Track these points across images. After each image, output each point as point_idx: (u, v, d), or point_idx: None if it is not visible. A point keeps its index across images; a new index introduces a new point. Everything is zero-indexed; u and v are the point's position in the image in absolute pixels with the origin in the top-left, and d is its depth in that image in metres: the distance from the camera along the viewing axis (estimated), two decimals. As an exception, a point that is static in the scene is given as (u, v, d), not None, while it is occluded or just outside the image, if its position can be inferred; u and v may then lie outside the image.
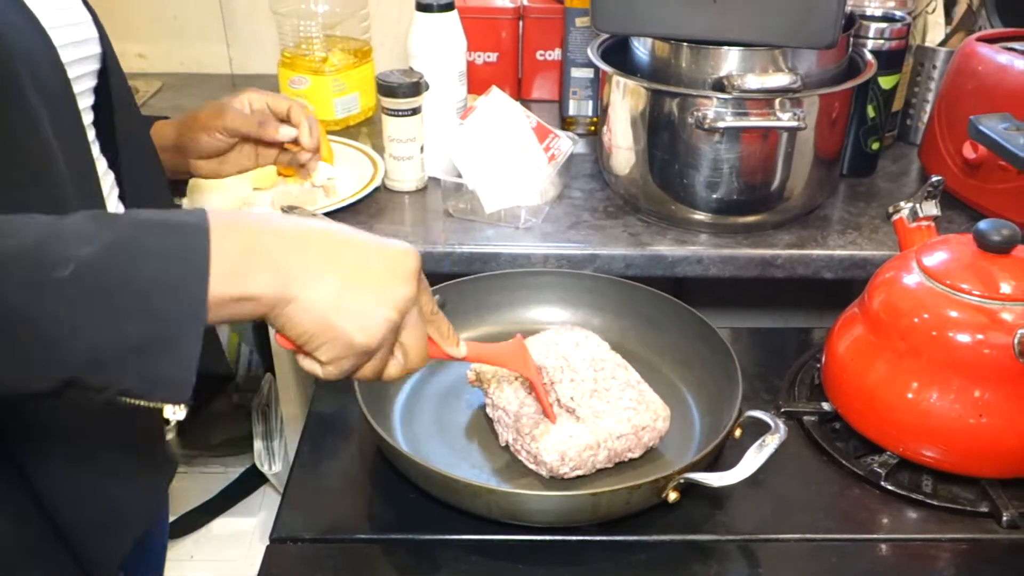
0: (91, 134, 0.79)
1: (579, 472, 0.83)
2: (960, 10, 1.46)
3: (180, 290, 0.52)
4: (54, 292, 0.50)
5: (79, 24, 0.76)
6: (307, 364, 0.63)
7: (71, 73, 0.73)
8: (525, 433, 0.84)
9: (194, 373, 0.53)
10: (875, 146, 1.37)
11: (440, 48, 1.31)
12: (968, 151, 1.21)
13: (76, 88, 0.74)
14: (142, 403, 0.54)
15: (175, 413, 0.56)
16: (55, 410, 0.70)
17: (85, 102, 0.78)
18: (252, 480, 1.70)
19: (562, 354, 0.91)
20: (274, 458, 1.57)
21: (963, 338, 0.82)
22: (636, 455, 0.85)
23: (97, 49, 0.79)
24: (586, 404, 0.85)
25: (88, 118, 0.79)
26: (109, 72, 0.81)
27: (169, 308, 0.52)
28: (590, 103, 1.52)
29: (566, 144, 1.26)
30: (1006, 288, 0.81)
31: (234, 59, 1.82)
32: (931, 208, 0.95)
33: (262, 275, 0.55)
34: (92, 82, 0.79)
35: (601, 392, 0.87)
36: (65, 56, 0.72)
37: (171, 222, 0.54)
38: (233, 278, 0.54)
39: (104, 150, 0.81)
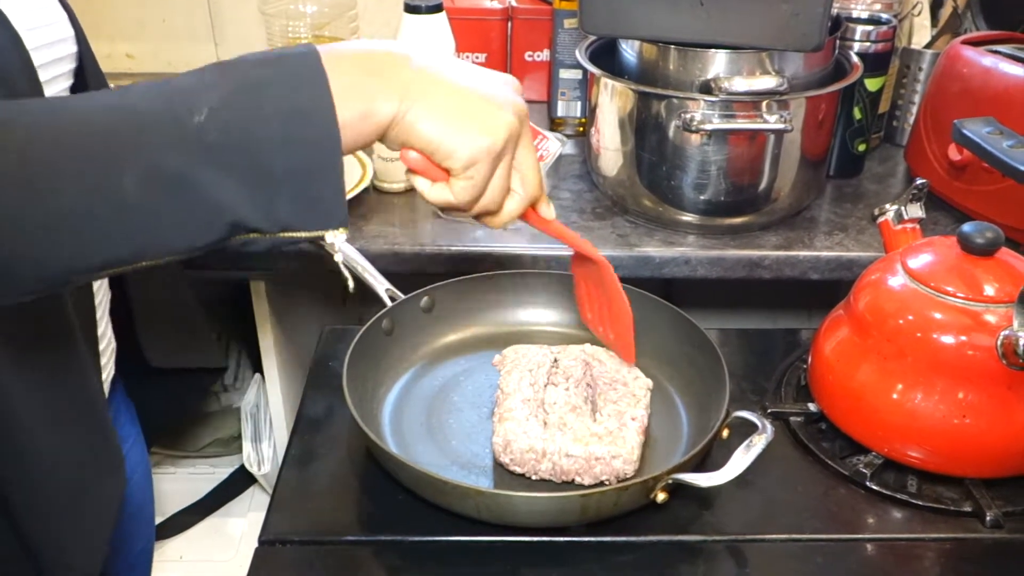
0: None
1: (518, 469, 0.83)
2: (946, 13, 1.47)
3: (311, 115, 0.54)
4: (197, 139, 0.52)
5: (53, 24, 0.75)
6: (436, 192, 0.63)
7: (45, 75, 0.72)
8: (498, 411, 0.86)
9: (344, 193, 0.55)
10: (861, 148, 1.38)
11: (428, 49, 1.31)
12: (953, 153, 1.22)
13: (50, 90, 0.73)
14: (303, 235, 0.56)
15: (336, 237, 0.57)
16: None
17: None
18: (241, 481, 1.70)
19: (584, 364, 0.92)
20: (263, 459, 1.57)
21: (947, 340, 0.82)
22: (585, 482, 0.82)
23: (73, 48, 0.78)
24: (559, 414, 0.85)
25: None
26: (86, 72, 0.80)
27: (305, 133, 0.53)
28: (578, 104, 1.52)
29: (554, 145, 1.27)
30: (989, 290, 0.82)
31: (222, 59, 1.81)
32: (916, 210, 0.96)
33: (379, 89, 0.57)
34: (68, 82, 0.78)
35: (582, 409, 0.86)
36: (38, 58, 0.71)
37: (282, 57, 0.55)
38: (353, 97, 0.55)
39: None
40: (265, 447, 1.58)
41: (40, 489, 0.73)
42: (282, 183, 0.54)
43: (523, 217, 0.71)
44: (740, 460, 0.77)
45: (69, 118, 0.53)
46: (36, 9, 0.73)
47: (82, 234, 0.52)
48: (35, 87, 0.70)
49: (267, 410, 1.51)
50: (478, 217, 0.68)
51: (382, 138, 0.59)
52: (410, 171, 0.64)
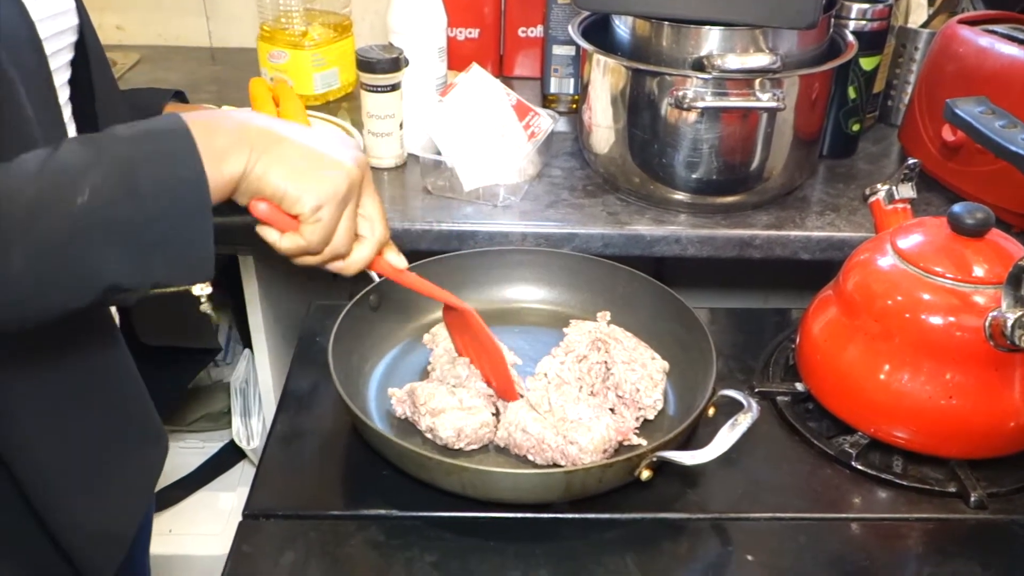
0: (67, 112, 0.78)
1: (473, 446, 0.85)
2: (943, -8, 1.46)
3: (184, 186, 0.59)
4: (80, 218, 0.56)
5: None
6: (287, 240, 0.68)
7: (48, 48, 0.71)
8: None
9: (212, 251, 0.61)
10: (855, 127, 1.37)
11: (420, 24, 1.30)
12: (947, 133, 1.21)
13: (53, 64, 0.73)
14: (173, 289, 0.63)
15: (202, 289, 0.67)
16: (34, 397, 0.70)
17: (62, 78, 0.76)
18: (230, 456, 1.69)
19: (594, 342, 0.92)
20: (252, 434, 1.56)
21: (935, 321, 0.82)
22: (537, 460, 0.83)
23: (74, 20, 0.77)
24: (540, 388, 0.87)
25: (64, 94, 0.77)
26: (87, 45, 0.79)
27: (179, 204, 0.59)
28: (572, 81, 1.51)
29: (546, 122, 1.26)
30: (978, 271, 0.82)
31: (213, 32, 1.80)
32: (907, 191, 0.96)
33: (229, 147, 0.62)
34: (69, 55, 0.78)
35: (562, 389, 0.87)
36: (42, 31, 0.70)
37: (156, 131, 0.60)
38: (213, 163, 0.60)
39: (81, 129, 0.80)
40: (254, 422, 1.57)
41: (55, 469, 0.73)
42: (157, 248, 0.59)
43: (374, 267, 0.75)
44: (725, 438, 0.77)
45: None
46: None
47: None
48: (42, 61, 0.70)
49: (256, 385, 1.50)
50: (329, 264, 0.71)
51: (234, 192, 0.63)
52: (259, 224, 0.67)
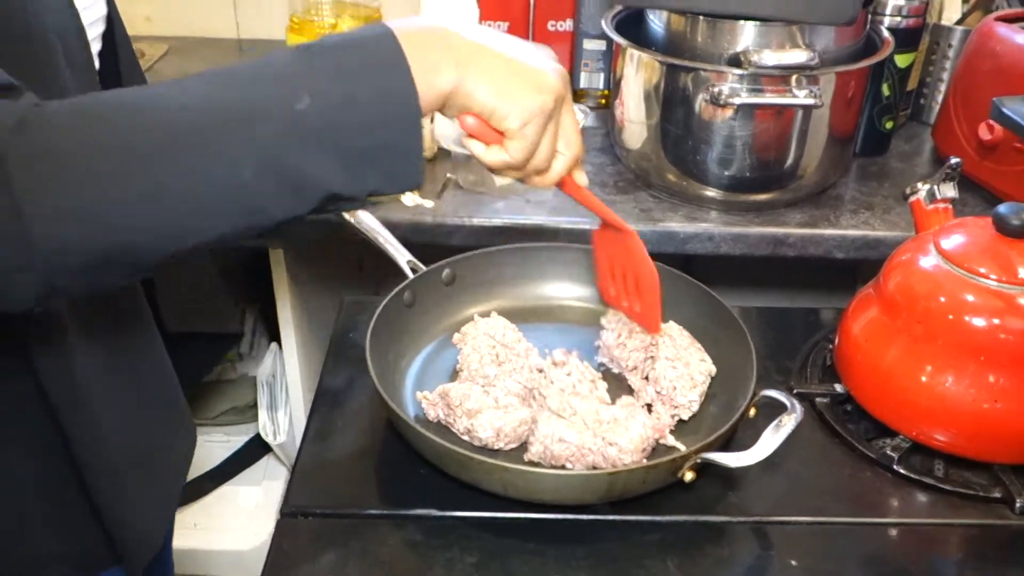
0: None
1: (512, 444, 0.84)
2: (978, -12, 1.44)
3: (397, 96, 0.59)
4: (302, 123, 0.56)
5: None
6: (492, 154, 0.68)
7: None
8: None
9: (422, 161, 0.61)
10: (889, 125, 1.35)
11: (451, 16, 1.29)
12: (984, 132, 1.20)
13: None
14: (387, 198, 0.61)
15: (412, 198, 0.67)
16: (97, 383, 0.71)
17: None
18: (256, 450, 1.70)
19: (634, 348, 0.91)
20: (278, 428, 1.56)
21: (979, 323, 0.81)
22: (576, 467, 0.81)
23: (104, 10, 0.77)
24: (555, 394, 0.86)
25: None
26: (116, 35, 0.79)
27: (393, 113, 0.59)
28: (602, 76, 1.50)
29: (576, 117, 1.25)
30: (1024, 273, 0.81)
31: (241, 24, 1.79)
32: (949, 190, 0.94)
33: (439, 61, 0.61)
34: (98, 46, 0.77)
35: (579, 390, 0.87)
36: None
37: (366, 39, 0.59)
38: (424, 77, 0.60)
39: None
40: (281, 416, 1.57)
41: (114, 453, 0.74)
42: (372, 157, 0.59)
43: (558, 183, 0.75)
44: (769, 440, 0.76)
45: (175, 108, 0.56)
46: None
47: (199, 215, 0.56)
48: (85, 49, 0.70)
49: (283, 379, 1.50)
50: (527, 178, 0.72)
51: (441, 106, 0.63)
52: (467, 136, 0.68)
